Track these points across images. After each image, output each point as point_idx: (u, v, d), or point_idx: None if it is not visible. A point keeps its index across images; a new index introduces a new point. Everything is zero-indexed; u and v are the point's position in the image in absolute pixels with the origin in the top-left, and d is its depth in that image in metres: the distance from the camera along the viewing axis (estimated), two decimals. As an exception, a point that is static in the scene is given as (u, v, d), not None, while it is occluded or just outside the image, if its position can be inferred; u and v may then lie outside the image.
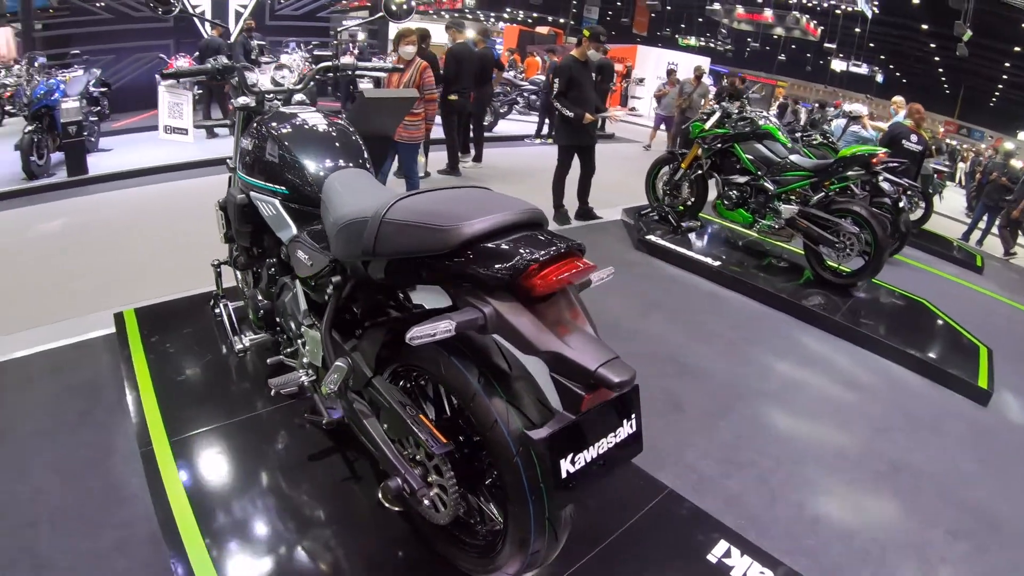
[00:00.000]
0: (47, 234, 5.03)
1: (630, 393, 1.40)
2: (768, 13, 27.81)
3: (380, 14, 2.66)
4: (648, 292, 4.56)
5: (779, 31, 29.50)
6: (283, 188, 2.05)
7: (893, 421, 3.25)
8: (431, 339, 1.27)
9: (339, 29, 9.07)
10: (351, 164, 2.06)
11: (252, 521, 1.96)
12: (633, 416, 1.41)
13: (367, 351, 1.73)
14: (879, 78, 30.85)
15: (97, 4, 10.09)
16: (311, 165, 2.02)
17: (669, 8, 29.22)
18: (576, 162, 5.64)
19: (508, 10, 35.90)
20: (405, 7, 2.64)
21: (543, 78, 12.45)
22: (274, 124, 2.14)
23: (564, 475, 1.28)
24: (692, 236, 5.59)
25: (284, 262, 2.17)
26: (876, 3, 23.62)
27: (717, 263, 4.94)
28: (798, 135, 7.06)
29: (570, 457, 1.29)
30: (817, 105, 12.93)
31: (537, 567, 1.54)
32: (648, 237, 5.38)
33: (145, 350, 2.85)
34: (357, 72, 2.64)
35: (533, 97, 13.28)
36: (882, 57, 31.21)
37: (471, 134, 8.12)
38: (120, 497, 2.09)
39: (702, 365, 3.51)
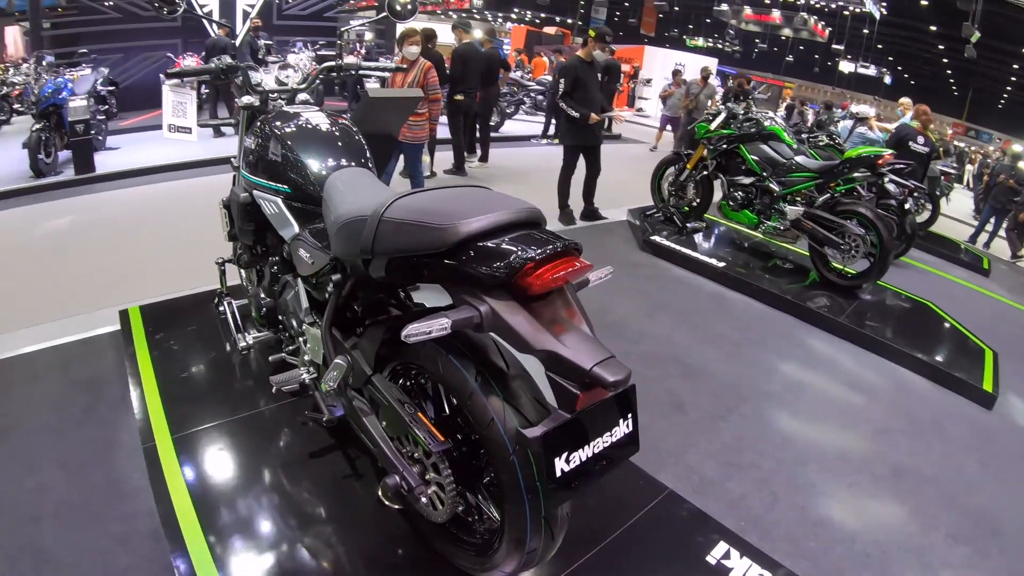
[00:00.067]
0: (54, 232, 5.06)
1: (626, 393, 1.40)
2: (776, 14, 27.70)
3: (384, 14, 2.66)
4: (653, 293, 4.56)
5: (787, 32, 29.37)
6: (285, 187, 2.06)
7: (896, 424, 3.24)
8: (427, 336, 1.28)
9: (343, 29, 9.09)
10: (353, 163, 2.07)
11: (253, 517, 1.97)
12: (629, 416, 1.41)
13: (367, 349, 1.74)
14: (887, 80, 30.71)
15: (105, 3, 10.14)
16: (313, 164, 2.03)
17: (677, 9, 29.15)
18: (582, 162, 5.64)
19: (516, 10, 35.91)
20: (409, 7, 2.65)
21: (550, 78, 12.45)
22: (277, 123, 2.16)
23: (559, 474, 1.28)
24: (697, 237, 5.58)
25: (286, 260, 2.18)
26: (884, 4, 23.50)
27: (722, 264, 4.93)
28: (804, 136, 7.04)
29: (565, 456, 1.29)
30: (823, 106, 12.86)
31: (534, 566, 1.55)
32: (653, 238, 5.37)
33: (149, 347, 2.87)
34: (361, 72, 2.64)
35: (540, 97, 13.27)
36: (890, 59, 31.04)
37: (477, 134, 8.13)
38: (123, 492, 2.11)
39: (706, 366, 3.50)
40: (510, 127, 11.69)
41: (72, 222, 5.28)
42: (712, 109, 5.91)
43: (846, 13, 26.29)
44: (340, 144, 2.12)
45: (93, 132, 6.76)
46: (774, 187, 4.94)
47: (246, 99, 2.38)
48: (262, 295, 2.45)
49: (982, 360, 3.92)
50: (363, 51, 15.13)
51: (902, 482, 2.75)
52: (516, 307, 1.29)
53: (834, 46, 27.88)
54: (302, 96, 2.48)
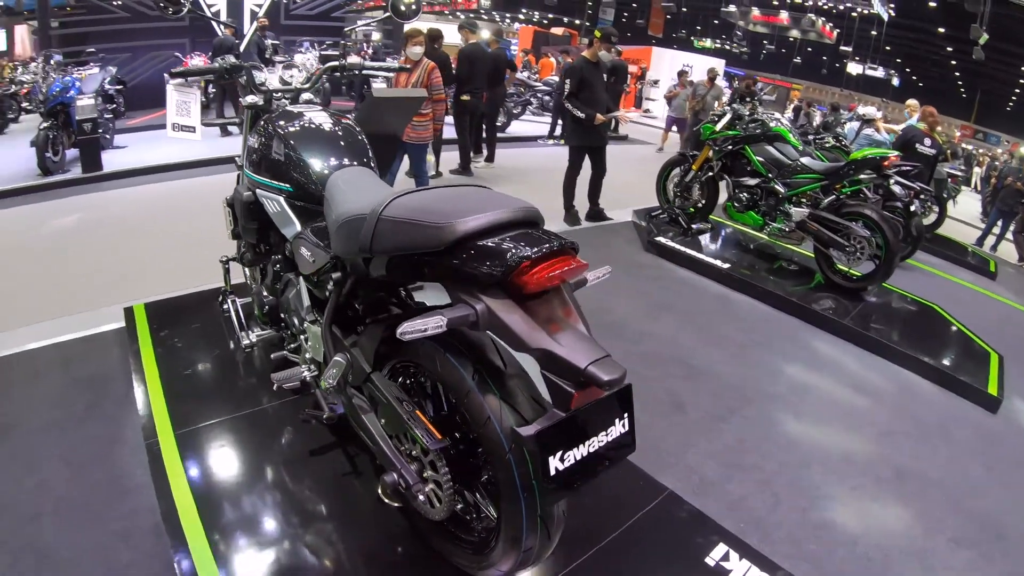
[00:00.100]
0: (61, 229, 5.09)
1: (623, 392, 1.40)
2: (784, 15, 27.67)
3: (387, 14, 2.67)
4: (656, 294, 4.55)
5: (795, 33, 29.33)
6: (288, 186, 2.07)
7: (901, 427, 3.22)
8: (422, 334, 1.28)
9: (347, 29, 9.13)
10: (355, 163, 2.07)
11: (253, 513, 1.98)
12: (626, 415, 1.41)
13: (366, 347, 1.75)
14: (895, 81, 30.58)
15: (114, 3, 10.21)
16: (315, 163, 2.03)
17: (684, 10, 29.11)
18: (587, 163, 5.64)
19: (523, 11, 35.93)
20: (413, 7, 2.65)
21: (557, 79, 12.45)
22: (280, 123, 2.17)
23: (553, 472, 1.28)
24: (702, 238, 5.57)
25: (289, 259, 2.19)
26: (892, 6, 23.40)
27: (727, 265, 4.92)
28: (810, 138, 7.02)
29: (559, 454, 1.29)
30: (830, 108, 12.81)
31: (530, 565, 1.55)
32: (658, 239, 5.36)
33: (154, 344, 2.89)
34: (365, 72, 2.65)
35: (547, 98, 13.28)
36: (898, 60, 30.90)
37: (483, 134, 8.14)
38: (125, 488, 2.12)
39: (709, 367, 3.49)
40: (517, 127, 11.70)
41: (79, 220, 5.32)
42: (718, 110, 5.89)
43: (854, 15, 26.22)
44: (342, 144, 2.13)
45: (100, 131, 6.82)
46: (779, 188, 4.92)
47: (250, 98, 2.39)
48: (265, 293, 2.46)
49: (987, 364, 3.90)
50: (370, 51, 15.18)
51: (906, 485, 2.74)
52: (512, 305, 1.29)
53: (842, 48, 27.82)
54: (306, 96, 2.50)
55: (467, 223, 1.32)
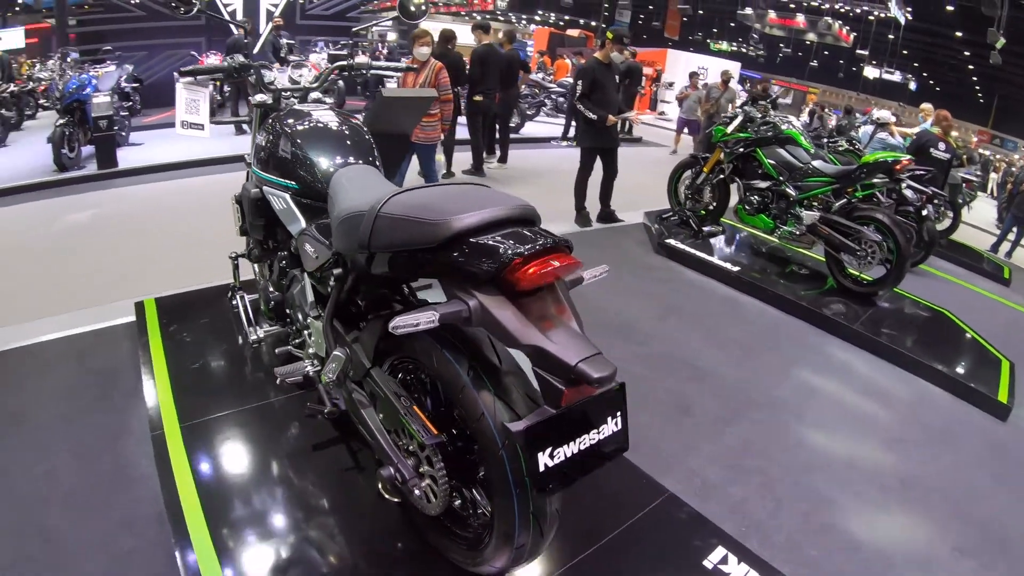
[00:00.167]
0: (75, 225, 5.17)
1: (616, 391, 1.41)
2: (800, 18, 27.49)
3: (395, 14, 2.69)
4: (666, 296, 4.55)
5: (811, 37, 29.13)
6: (293, 183, 2.10)
7: (908, 433, 3.19)
8: (414, 329, 1.30)
9: (355, 29, 9.18)
10: (360, 161, 2.09)
11: (254, 504, 2.00)
12: (619, 414, 1.41)
13: (366, 342, 1.77)
14: (912, 86, 30.28)
15: (131, 1, 10.33)
16: (320, 161, 2.06)
17: (701, 12, 29.02)
18: (599, 165, 5.64)
19: (539, 12, 35.95)
20: (423, 7, 2.67)
21: (571, 80, 12.45)
22: (288, 121, 2.20)
23: (542, 468, 1.29)
24: (713, 241, 5.55)
25: (294, 255, 2.22)
26: (909, 9, 23.19)
27: (736, 268, 4.90)
28: (824, 141, 6.97)
29: (548, 451, 1.30)
30: (844, 111, 12.70)
31: (523, 562, 1.56)
32: (668, 241, 5.35)
33: (163, 338, 2.93)
34: (373, 71, 2.68)
35: (561, 99, 13.28)
36: (915, 64, 30.59)
37: (496, 135, 8.16)
38: (130, 478, 2.15)
39: (716, 370, 3.48)
40: (531, 128, 11.70)
41: (93, 216, 5.39)
42: (731, 113, 5.87)
43: (871, 18, 26.00)
44: (348, 142, 2.15)
45: (116, 128, 6.91)
46: (790, 191, 4.90)
47: (259, 97, 2.43)
48: (271, 289, 2.49)
49: (999, 371, 3.85)
50: (385, 51, 15.26)
51: (910, 493, 2.72)
52: (504, 302, 1.30)
53: (859, 51, 27.57)
54: (314, 95, 2.52)
55: (462, 220, 1.34)
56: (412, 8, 2.63)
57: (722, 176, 5.46)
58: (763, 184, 5.09)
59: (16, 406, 2.52)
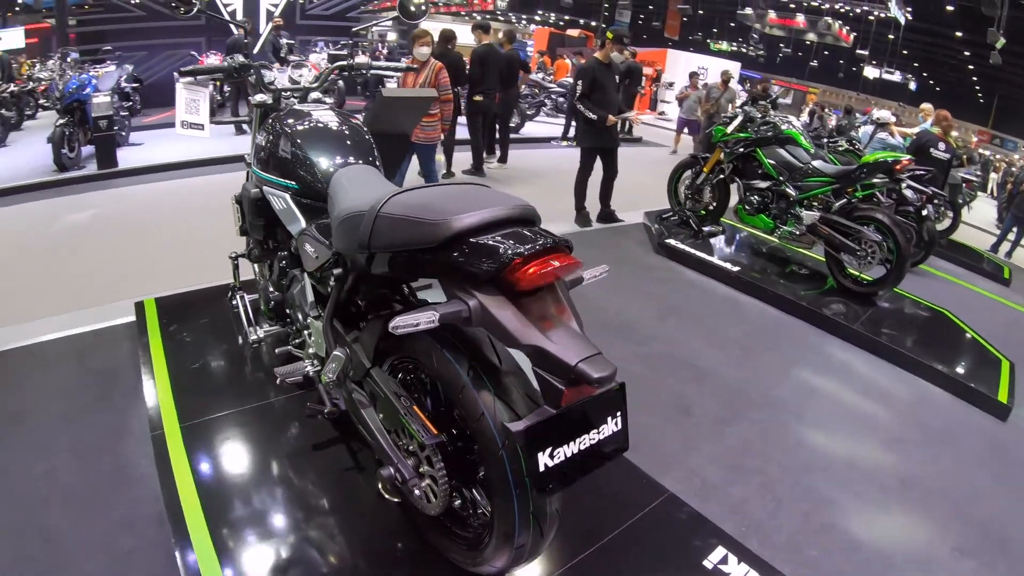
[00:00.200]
0: (75, 225, 5.16)
1: (616, 391, 1.41)
2: (800, 18, 27.47)
3: (395, 14, 2.70)
4: (666, 296, 4.55)
5: (811, 37, 29.12)
6: (293, 183, 2.10)
7: (908, 434, 3.19)
8: (414, 328, 1.30)
9: (354, 29, 9.18)
10: (360, 161, 2.10)
11: (254, 504, 2.00)
12: (619, 414, 1.41)
13: (367, 342, 1.77)
14: (912, 85, 30.28)
15: (131, 1, 10.33)
16: (320, 161, 2.06)
17: (701, 12, 29.01)
18: (599, 165, 5.64)
19: (540, 12, 35.95)
20: (423, 7, 2.67)
21: (571, 80, 12.44)
22: (287, 121, 2.20)
23: (542, 468, 1.29)
24: (713, 241, 5.55)
25: (294, 255, 2.22)
26: (909, 10, 23.18)
27: (736, 268, 4.90)
28: (823, 141, 6.97)
29: (548, 451, 1.30)
30: (844, 111, 12.70)
31: (523, 562, 1.56)
32: (668, 241, 5.35)
33: (163, 338, 2.93)
34: (373, 71, 2.68)
35: (561, 99, 13.28)
36: (915, 64, 30.57)
37: (496, 135, 8.16)
38: (130, 478, 2.15)
39: (716, 370, 3.48)
40: (531, 129, 11.69)
41: (93, 216, 5.39)
42: (731, 113, 5.87)
43: (871, 18, 25.98)
44: (348, 142, 2.15)
45: (116, 128, 6.90)
46: (790, 191, 4.90)
47: (259, 97, 2.43)
48: (271, 289, 2.49)
49: (998, 371, 3.86)
50: (385, 51, 15.26)
51: (910, 493, 2.72)
52: (504, 302, 1.30)
53: (859, 51, 27.56)
54: (314, 95, 2.52)
55: (462, 220, 1.34)
56: (412, 8, 2.63)
57: (722, 176, 5.46)
58: (763, 184, 5.09)
59: (16, 406, 2.52)
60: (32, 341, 3.00)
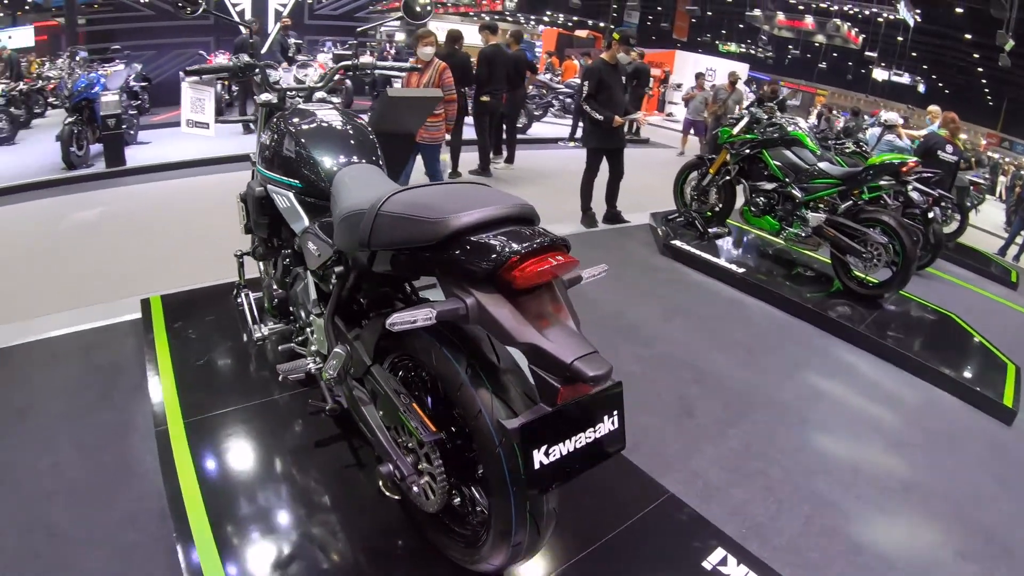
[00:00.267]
0: (83, 222, 5.20)
1: (614, 389, 1.41)
2: (809, 20, 27.37)
3: (400, 15, 2.71)
4: (671, 297, 4.54)
5: (820, 38, 28.99)
6: (297, 181, 2.11)
7: (912, 437, 3.18)
8: (411, 326, 1.31)
9: (360, 29, 9.20)
10: (363, 160, 2.11)
11: (255, 500, 2.01)
12: (616, 413, 1.42)
13: (367, 340, 1.78)
14: (921, 88, 30.10)
15: (140, 1, 10.39)
16: (324, 160, 2.07)
17: (709, 14, 28.95)
18: (605, 165, 5.64)
19: (548, 13, 35.95)
20: (428, 8, 2.68)
21: (579, 81, 12.44)
22: (292, 120, 2.21)
23: (537, 466, 1.29)
24: (718, 242, 5.54)
25: (298, 253, 2.23)
26: (918, 12, 23.06)
27: (742, 270, 4.88)
28: (830, 143, 6.94)
29: (544, 449, 1.30)
30: (851, 113, 12.64)
31: (520, 560, 1.56)
32: (674, 242, 5.34)
33: (168, 335, 2.94)
34: (377, 71, 2.69)
35: (568, 100, 13.28)
36: (924, 67, 30.39)
37: (503, 135, 8.17)
38: (133, 473, 2.17)
39: (719, 372, 3.48)
40: (538, 129, 11.69)
41: (100, 213, 5.43)
42: (737, 114, 5.86)
43: (880, 20, 25.86)
44: (352, 142, 2.17)
45: (124, 126, 6.95)
46: (796, 193, 4.88)
47: (264, 96, 2.44)
48: (275, 287, 2.51)
49: (1004, 375, 3.83)
50: (393, 51, 15.30)
51: (913, 496, 2.71)
52: (501, 300, 1.31)
53: (867, 53, 27.43)
54: (319, 94, 2.54)
55: (460, 218, 1.35)
56: (417, 8, 2.64)
57: (728, 177, 5.44)
58: (769, 186, 5.08)
59: (22, 401, 2.54)
60: (38, 337, 3.02)
